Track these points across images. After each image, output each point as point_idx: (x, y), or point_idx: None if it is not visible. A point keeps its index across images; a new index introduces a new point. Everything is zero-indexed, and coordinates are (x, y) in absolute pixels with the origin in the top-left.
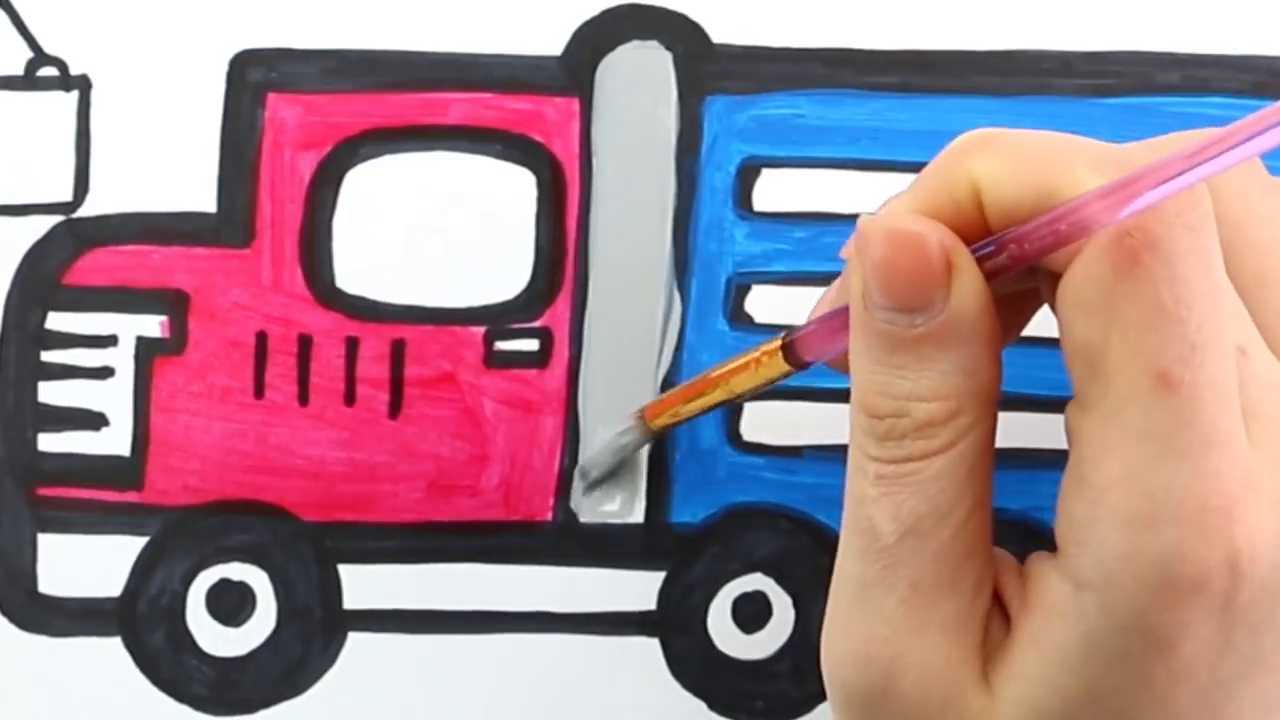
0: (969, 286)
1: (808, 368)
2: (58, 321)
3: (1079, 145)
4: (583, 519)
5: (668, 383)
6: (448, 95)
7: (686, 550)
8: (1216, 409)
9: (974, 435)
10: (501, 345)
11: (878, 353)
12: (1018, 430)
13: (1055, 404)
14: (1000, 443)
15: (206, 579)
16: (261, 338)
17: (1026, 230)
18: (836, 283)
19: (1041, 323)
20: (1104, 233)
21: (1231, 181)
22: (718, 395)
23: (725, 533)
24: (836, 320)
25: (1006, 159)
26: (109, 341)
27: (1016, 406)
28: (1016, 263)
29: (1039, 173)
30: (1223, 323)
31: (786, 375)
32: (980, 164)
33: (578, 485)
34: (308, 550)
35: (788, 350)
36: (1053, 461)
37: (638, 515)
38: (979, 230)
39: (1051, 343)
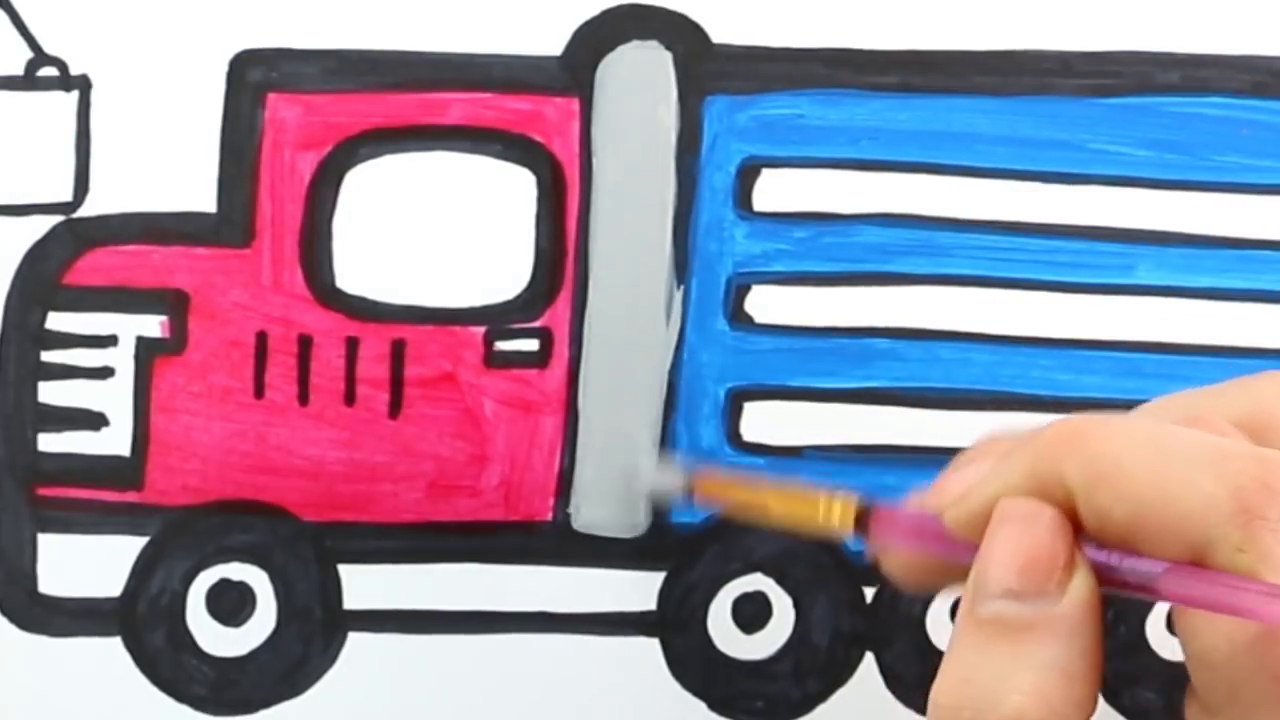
0: (1084, 586)
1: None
2: (58, 321)
3: (1174, 450)
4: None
5: (670, 385)
6: (448, 95)
7: (687, 550)
8: None
9: None
10: (501, 345)
11: (973, 634)
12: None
13: (1056, 404)
14: None
15: (206, 579)
16: (261, 338)
17: (1167, 579)
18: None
19: (1041, 323)
20: (1217, 552)
21: None
22: (769, 512)
23: (725, 533)
24: (927, 526)
25: (1103, 466)
26: (109, 341)
27: (1018, 406)
28: (1136, 592)
29: (1136, 488)
30: None
31: (843, 533)
32: (1073, 469)
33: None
34: (308, 550)
35: (860, 522)
36: None
37: (638, 518)
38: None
39: (1051, 343)
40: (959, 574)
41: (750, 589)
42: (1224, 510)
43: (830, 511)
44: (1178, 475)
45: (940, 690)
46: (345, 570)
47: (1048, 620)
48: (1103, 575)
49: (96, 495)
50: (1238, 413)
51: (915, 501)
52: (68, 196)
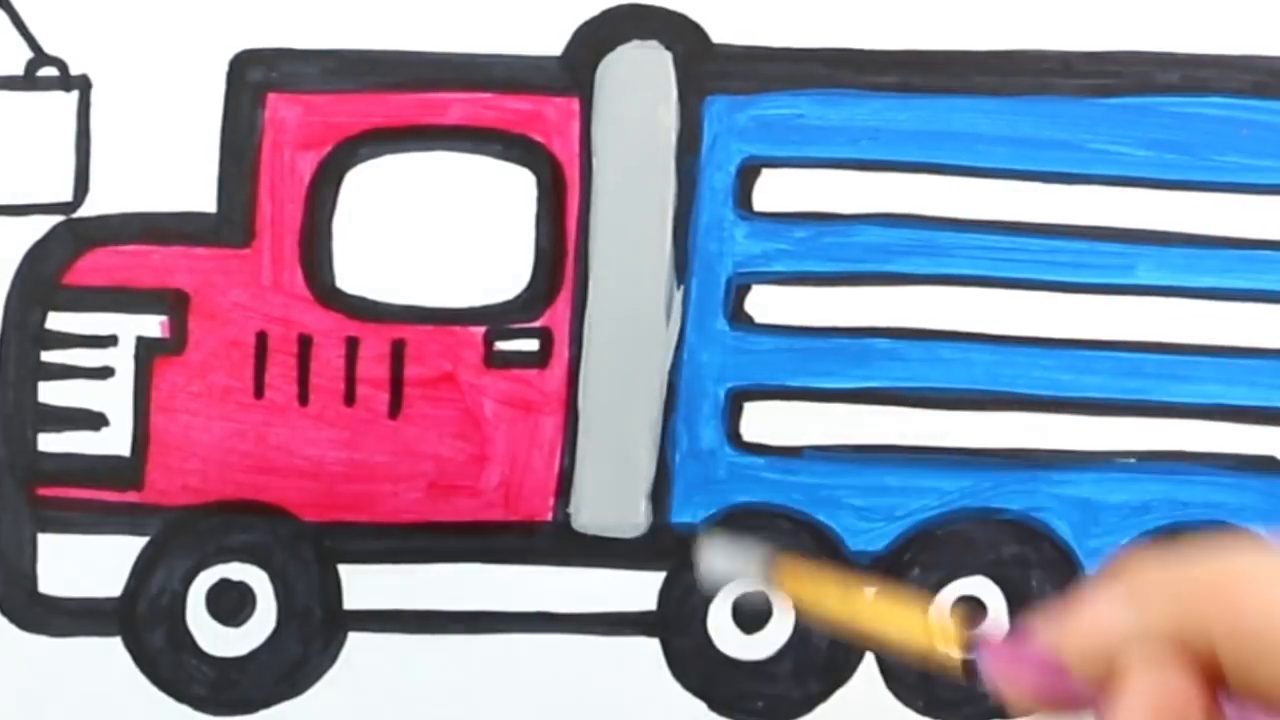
0: None
1: None
2: (58, 321)
3: None
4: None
5: (670, 385)
6: (448, 95)
7: (687, 550)
8: None
9: None
10: (501, 345)
11: None
12: (1019, 430)
13: (1056, 404)
14: (1001, 443)
15: (206, 579)
16: (261, 338)
17: None
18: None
19: (1042, 323)
20: None
21: None
22: (863, 625)
23: (724, 532)
24: (1049, 664)
25: (1253, 623)
26: (109, 341)
27: (1018, 406)
28: None
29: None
30: None
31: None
32: (1220, 624)
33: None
34: (308, 550)
35: (969, 665)
36: (1052, 463)
37: (639, 518)
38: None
39: (1052, 343)
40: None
41: (750, 589)
42: None
43: (934, 646)
44: None
45: None
46: (345, 570)
47: None
48: None
49: (96, 495)
50: None
51: (1039, 636)
52: (68, 196)
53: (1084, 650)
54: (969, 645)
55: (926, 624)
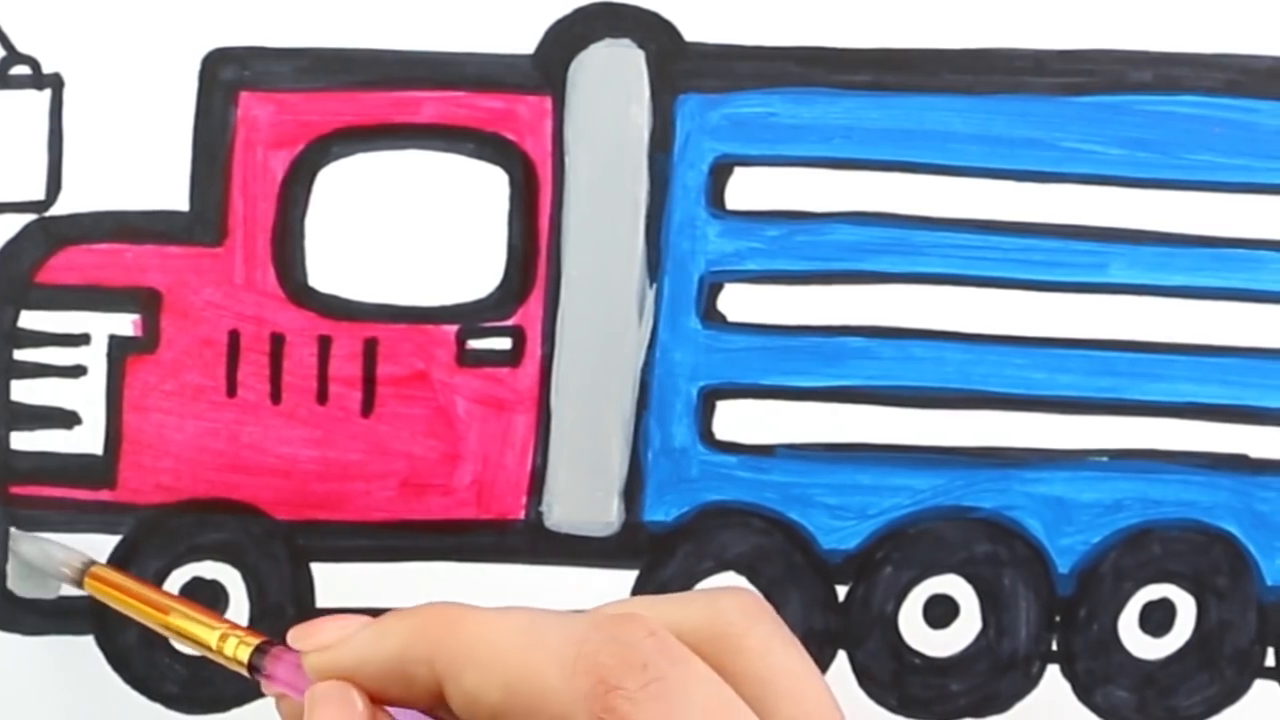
0: None
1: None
2: (30, 320)
3: (545, 635)
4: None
5: (643, 383)
6: (420, 94)
7: (659, 549)
8: None
9: None
10: (474, 344)
11: None
12: (991, 429)
13: (1028, 403)
14: (973, 441)
15: (179, 577)
16: (234, 336)
17: None
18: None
19: (1014, 321)
20: None
21: (752, 636)
22: (170, 627)
23: (698, 531)
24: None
25: (475, 649)
26: (81, 340)
27: (990, 405)
28: None
29: (505, 670)
30: None
31: (230, 661)
32: (444, 651)
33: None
34: (280, 549)
35: (253, 666)
36: (1024, 461)
37: (611, 516)
38: (434, 698)
39: (1025, 341)
40: None
41: (723, 587)
42: (584, 685)
43: (225, 645)
44: (543, 656)
45: None
46: (318, 569)
47: None
48: None
49: (69, 494)
50: (698, 623)
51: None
52: (40, 195)
53: (318, 659)
54: (253, 660)
55: (215, 643)
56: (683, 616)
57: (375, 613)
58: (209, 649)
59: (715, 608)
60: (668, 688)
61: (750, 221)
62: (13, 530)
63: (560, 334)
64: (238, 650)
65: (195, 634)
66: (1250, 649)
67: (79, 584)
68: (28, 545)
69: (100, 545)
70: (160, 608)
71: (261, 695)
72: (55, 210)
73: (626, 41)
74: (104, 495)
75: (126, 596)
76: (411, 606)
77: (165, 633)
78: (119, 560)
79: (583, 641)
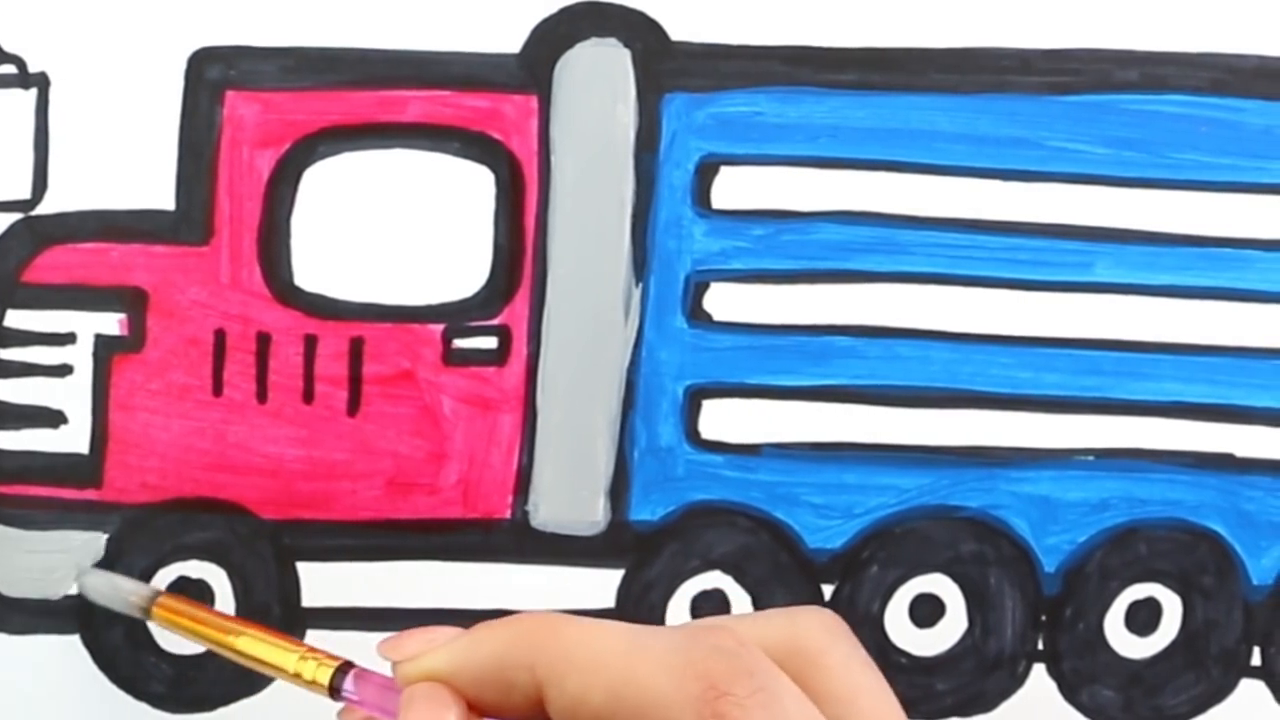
0: None
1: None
2: (16, 319)
3: (647, 642)
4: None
5: (629, 383)
6: (406, 93)
7: (645, 548)
8: None
9: None
10: (460, 343)
11: None
12: (977, 428)
13: (1014, 402)
14: (959, 440)
15: (165, 576)
16: (220, 335)
17: None
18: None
19: (1000, 320)
20: None
21: (832, 654)
22: (240, 654)
23: (684, 531)
24: (390, 691)
25: (578, 654)
26: (67, 339)
27: (976, 404)
28: None
29: (610, 674)
30: None
31: (310, 685)
32: (546, 656)
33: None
34: (266, 548)
35: (335, 690)
36: (1010, 460)
37: (597, 515)
38: (532, 704)
39: (1010, 340)
40: None
41: (709, 586)
42: (693, 691)
43: (304, 668)
44: (650, 662)
45: None
46: (303, 568)
47: None
48: None
49: (55, 493)
50: (777, 640)
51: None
52: (26, 194)
53: (409, 668)
54: (334, 682)
55: (293, 666)
56: (765, 632)
57: (366, 612)
58: (285, 673)
59: (796, 624)
60: (772, 698)
61: (736, 221)
62: (80, 565)
63: (546, 333)
64: (317, 673)
65: (271, 658)
66: (1236, 648)
67: (147, 615)
68: (95, 580)
69: (86, 544)
70: (231, 633)
71: (249, 694)
72: (41, 209)
73: (612, 41)
74: (90, 494)
75: (197, 624)
76: (507, 617)
77: (236, 659)
78: (105, 560)
79: (689, 649)
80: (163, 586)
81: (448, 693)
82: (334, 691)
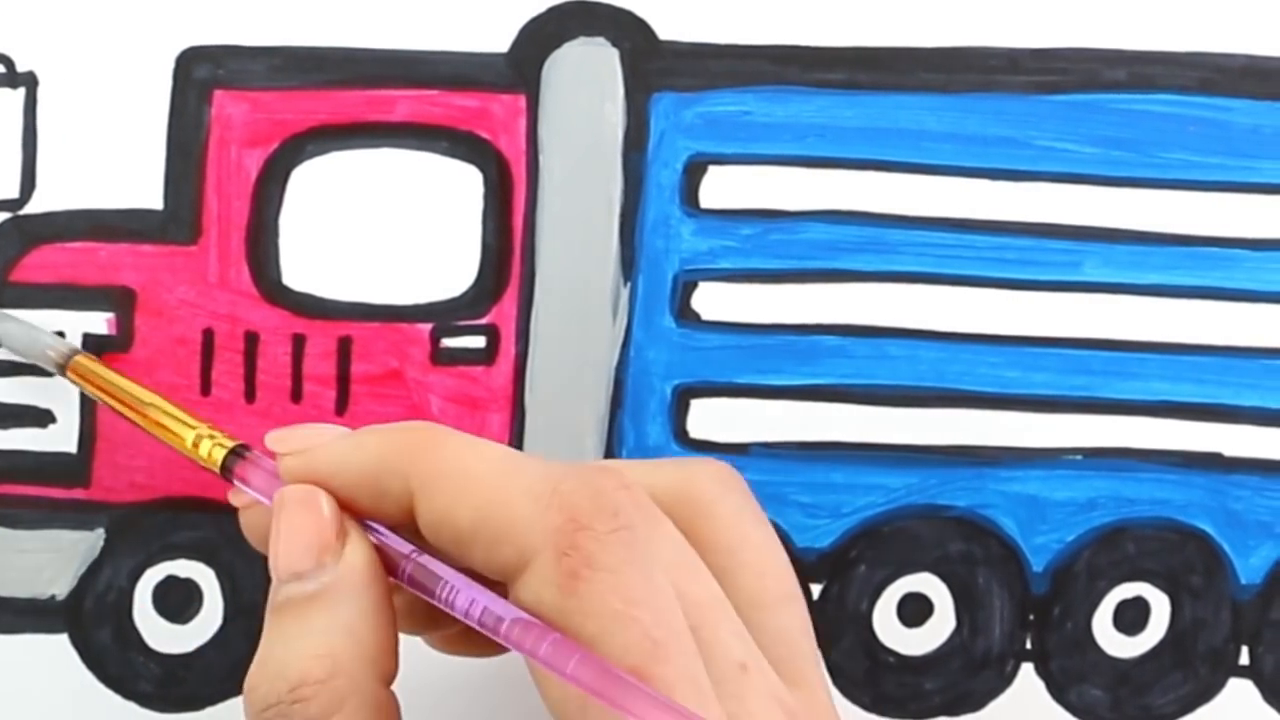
0: (358, 553)
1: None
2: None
3: (521, 467)
4: None
5: (617, 382)
6: (394, 92)
7: None
8: (693, 700)
9: (355, 702)
10: (448, 342)
11: (271, 620)
12: (965, 427)
13: (1002, 401)
14: (947, 440)
15: (153, 576)
16: (208, 335)
17: (448, 587)
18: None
19: (988, 320)
20: (544, 555)
21: (722, 504)
22: (137, 415)
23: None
24: (276, 479)
25: (449, 468)
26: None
27: (964, 403)
28: (415, 587)
29: (478, 495)
30: (677, 621)
31: (204, 462)
32: (421, 468)
33: None
34: (254, 547)
35: (226, 468)
36: (998, 459)
37: None
38: (404, 512)
39: (998, 340)
40: None
41: None
42: (554, 521)
43: (200, 446)
44: (518, 487)
45: (247, 679)
46: None
47: (326, 589)
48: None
49: (43, 492)
50: (667, 486)
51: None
52: (14, 193)
53: (293, 461)
54: (226, 463)
55: (190, 440)
56: (656, 478)
57: None
58: (184, 448)
59: (688, 472)
60: (635, 537)
61: (724, 220)
62: None
63: (534, 332)
64: (212, 452)
65: (173, 430)
66: (1224, 647)
67: (62, 372)
68: (10, 326)
69: (74, 544)
70: (138, 402)
71: (238, 694)
72: (29, 209)
73: (601, 40)
74: (78, 494)
75: (104, 391)
76: (393, 424)
77: (144, 428)
78: (94, 559)
79: (561, 480)
80: (151, 586)
81: (321, 496)
82: (225, 472)
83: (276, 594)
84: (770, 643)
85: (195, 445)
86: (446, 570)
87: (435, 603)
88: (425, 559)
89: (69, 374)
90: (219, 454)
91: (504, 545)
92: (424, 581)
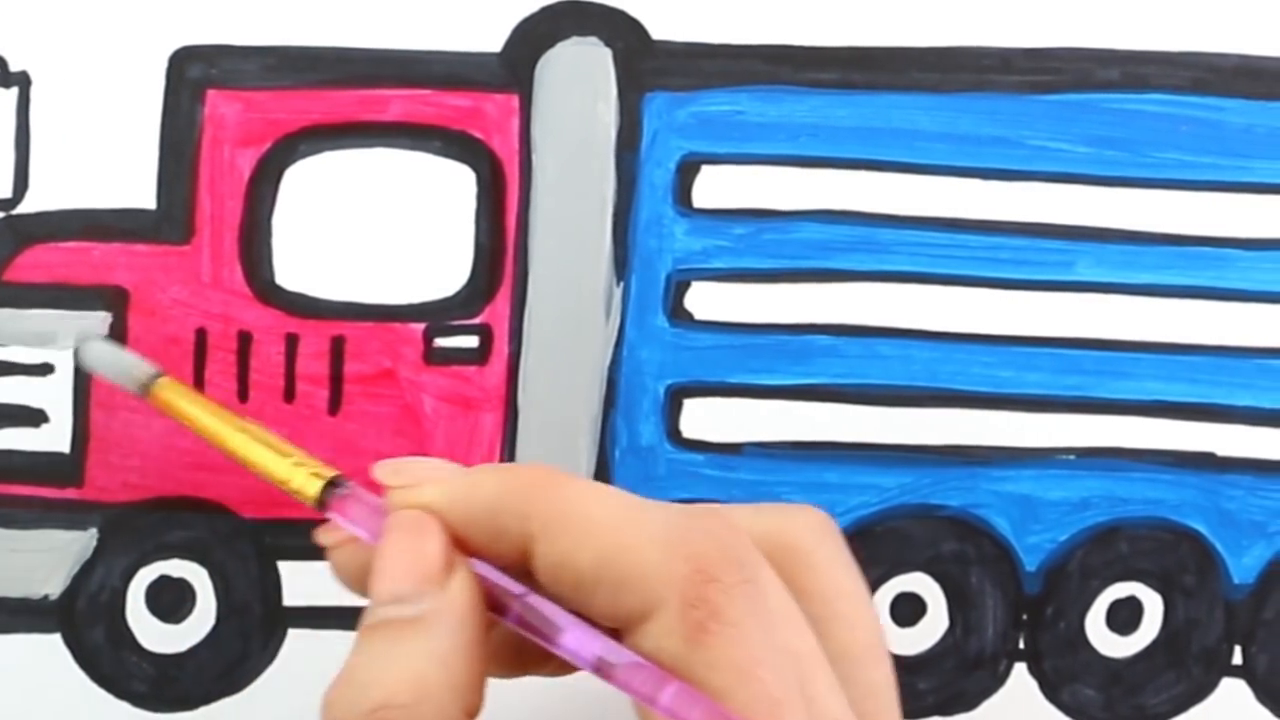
0: (463, 586)
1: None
2: None
3: (644, 514)
4: None
5: (610, 381)
6: (387, 92)
7: None
8: None
9: None
10: (441, 342)
11: (361, 639)
12: (958, 427)
13: (995, 401)
14: (940, 439)
15: (146, 575)
16: (201, 334)
17: (560, 629)
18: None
19: (981, 319)
20: (670, 605)
21: (820, 553)
22: (235, 453)
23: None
24: (378, 514)
25: (572, 510)
26: (48, 338)
27: (957, 403)
28: (524, 627)
29: (602, 539)
30: (794, 678)
31: (297, 494)
32: (540, 509)
33: None
34: (247, 547)
35: (323, 500)
36: (991, 459)
37: None
38: (518, 553)
39: (991, 339)
40: None
41: None
42: (681, 570)
43: (294, 475)
44: (643, 533)
45: (326, 693)
46: (285, 567)
47: (426, 616)
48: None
49: (36, 492)
50: (767, 532)
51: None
52: (7, 193)
53: (404, 495)
54: (323, 496)
55: (284, 472)
56: (756, 523)
57: (347, 611)
58: (275, 478)
59: (787, 519)
60: (757, 589)
61: (717, 220)
62: (81, 333)
63: (527, 332)
64: (307, 483)
65: (263, 462)
66: (1217, 647)
67: (145, 393)
68: (98, 349)
69: (67, 543)
70: (226, 429)
71: (231, 693)
72: (22, 208)
73: (593, 40)
74: (71, 493)
75: (193, 414)
76: (509, 464)
77: (230, 456)
78: (87, 559)
79: (685, 528)
80: (144, 586)
81: (435, 524)
82: (322, 505)
83: (373, 614)
84: (860, 696)
85: (287, 479)
86: (558, 612)
87: (544, 643)
88: (536, 599)
89: (152, 397)
90: (314, 486)
91: (628, 592)
92: (534, 622)
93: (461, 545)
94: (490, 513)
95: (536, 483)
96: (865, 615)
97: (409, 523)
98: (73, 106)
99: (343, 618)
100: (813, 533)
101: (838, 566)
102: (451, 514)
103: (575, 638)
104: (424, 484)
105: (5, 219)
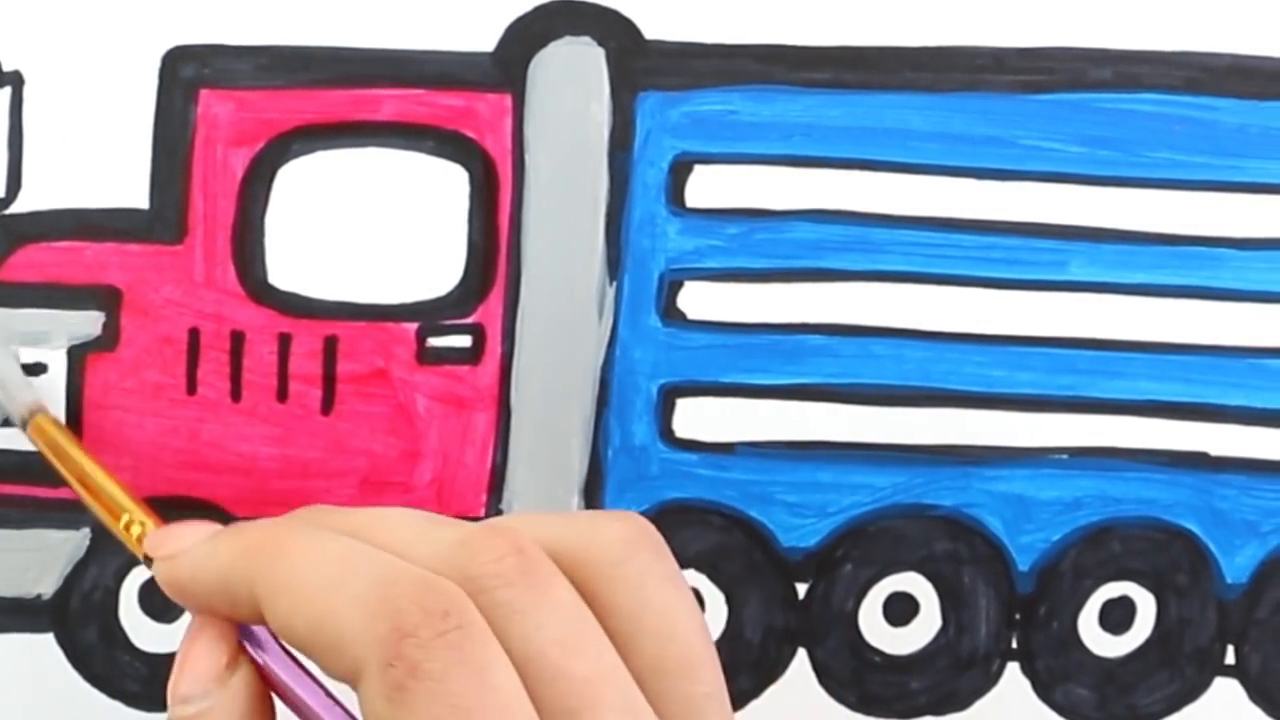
0: (243, 681)
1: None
2: None
3: (354, 572)
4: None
5: (603, 381)
6: (380, 91)
7: None
8: None
9: None
10: (434, 342)
11: None
12: (951, 426)
13: (988, 400)
14: (933, 439)
15: (139, 575)
16: (194, 334)
17: (305, 703)
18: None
19: (974, 319)
20: (371, 667)
21: (628, 566)
22: (85, 494)
23: (658, 529)
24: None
25: (284, 579)
26: (41, 338)
27: (950, 403)
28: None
29: (312, 608)
30: (519, 717)
31: (131, 545)
32: (260, 577)
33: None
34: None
35: (149, 558)
36: (984, 459)
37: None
38: (259, 617)
39: (984, 339)
40: None
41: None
42: (380, 630)
43: (129, 529)
44: (350, 598)
45: None
46: None
47: (207, 714)
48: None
49: (30, 491)
50: (574, 545)
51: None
52: (0, 193)
53: (165, 567)
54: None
55: (120, 522)
56: (560, 534)
57: None
58: (114, 527)
59: (593, 531)
60: (466, 636)
61: (710, 219)
62: None
63: (520, 332)
64: (135, 544)
65: (104, 515)
66: (1210, 647)
67: (23, 426)
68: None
69: (60, 543)
70: (76, 479)
71: None
72: (15, 208)
73: (586, 39)
74: (65, 493)
75: (56, 456)
76: (247, 524)
77: (83, 498)
78: (80, 559)
79: (390, 584)
80: (137, 586)
81: (214, 627)
82: (149, 560)
83: (170, 715)
84: (675, 712)
85: (126, 528)
86: (307, 684)
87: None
88: (294, 673)
89: (29, 432)
90: (138, 547)
91: (337, 656)
92: (285, 694)
93: (211, 613)
94: (223, 582)
95: (259, 548)
96: (681, 627)
97: (195, 626)
98: (65, 106)
99: None
100: (622, 545)
101: (649, 579)
102: (194, 586)
103: (317, 705)
104: (176, 555)
105: None
